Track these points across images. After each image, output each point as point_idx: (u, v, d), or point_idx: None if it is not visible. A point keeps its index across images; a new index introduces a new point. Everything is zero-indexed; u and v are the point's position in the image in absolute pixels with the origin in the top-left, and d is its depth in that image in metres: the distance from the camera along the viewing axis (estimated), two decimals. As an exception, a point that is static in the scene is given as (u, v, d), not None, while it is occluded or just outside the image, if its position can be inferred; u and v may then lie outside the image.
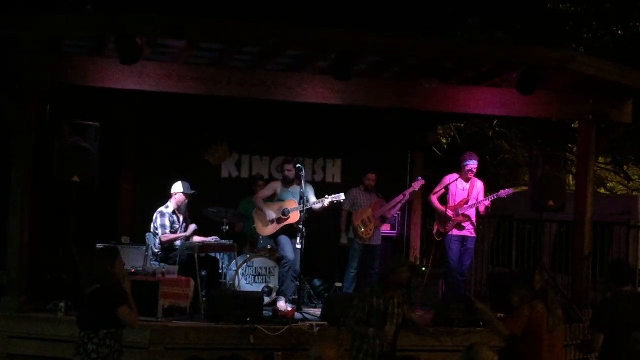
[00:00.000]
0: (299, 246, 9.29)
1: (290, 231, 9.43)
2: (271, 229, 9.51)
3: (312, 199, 9.40)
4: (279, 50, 8.36)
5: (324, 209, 9.38)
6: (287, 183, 9.58)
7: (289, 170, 9.54)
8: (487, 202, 9.94)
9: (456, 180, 10.04)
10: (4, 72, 8.13)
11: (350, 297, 7.78)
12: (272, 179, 10.69)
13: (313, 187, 9.63)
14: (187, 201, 9.53)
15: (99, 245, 9.04)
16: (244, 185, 10.68)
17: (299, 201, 9.38)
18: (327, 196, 9.38)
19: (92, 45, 8.34)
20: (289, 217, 9.41)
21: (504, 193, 10.00)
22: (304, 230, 9.24)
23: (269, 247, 9.69)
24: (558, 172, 9.53)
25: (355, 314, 6.56)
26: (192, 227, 9.41)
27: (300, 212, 9.29)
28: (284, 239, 9.50)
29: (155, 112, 10.45)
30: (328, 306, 8.63)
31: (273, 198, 9.63)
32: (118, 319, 5.86)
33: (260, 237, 9.79)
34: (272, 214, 9.45)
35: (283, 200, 9.53)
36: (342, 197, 9.46)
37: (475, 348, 5.40)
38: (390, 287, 6.61)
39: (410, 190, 10.29)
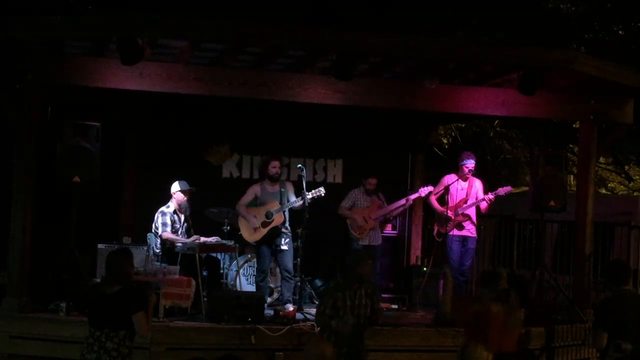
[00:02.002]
0: (285, 247, 9.26)
1: (276, 233, 9.32)
2: (257, 235, 9.34)
3: (292, 197, 9.34)
4: (280, 50, 8.36)
5: (302, 206, 9.19)
6: (272, 180, 9.43)
7: (279, 167, 9.46)
8: (491, 196, 9.92)
9: (456, 181, 10.05)
10: (4, 72, 8.13)
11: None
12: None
13: (313, 187, 9.59)
14: (187, 199, 9.50)
15: (100, 246, 9.09)
16: (245, 185, 10.68)
17: (280, 201, 9.33)
18: (306, 193, 9.21)
19: (93, 46, 8.34)
20: (273, 220, 9.27)
21: (502, 191, 10.01)
22: (289, 230, 9.28)
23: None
24: (559, 172, 9.53)
25: (321, 307, 6.67)
26: (194, 237, 9.37)
27: (283, 212, 9.27)
28: (264, 251, 9.38)
29: (156, 112, 10.46)
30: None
31: (254, 202, 9.49)
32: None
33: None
34: (255, 221, 9.28)
35: (264, 203, 9.37)
36: (322, 191, 9.32)
37: (470, 347, 5.43)
38: (353, 279, 6.71)
39: (415, 195, 10.25)
